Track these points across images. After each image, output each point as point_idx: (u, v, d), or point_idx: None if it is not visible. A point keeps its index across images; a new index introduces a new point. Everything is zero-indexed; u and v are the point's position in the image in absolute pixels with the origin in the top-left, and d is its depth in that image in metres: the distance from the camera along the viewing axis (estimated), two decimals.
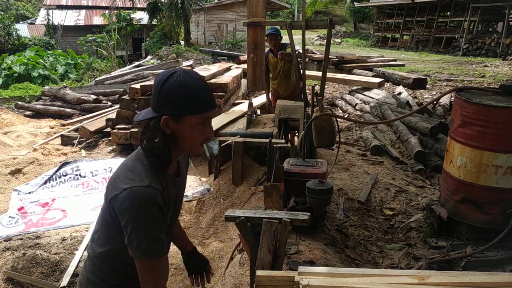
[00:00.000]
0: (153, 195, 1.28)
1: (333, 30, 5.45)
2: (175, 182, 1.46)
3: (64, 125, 7.68)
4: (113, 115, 6.51)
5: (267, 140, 3.47)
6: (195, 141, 1.36)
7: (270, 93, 6.06)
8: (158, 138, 1.31)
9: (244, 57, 12.36)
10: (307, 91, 4.90)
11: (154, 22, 21.29)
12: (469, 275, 1.76)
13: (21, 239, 3.67)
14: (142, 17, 23.43)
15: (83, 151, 6.17)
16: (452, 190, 3.23)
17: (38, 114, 8.59)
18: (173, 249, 3.64)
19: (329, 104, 8.63)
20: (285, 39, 5.42)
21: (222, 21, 24.15)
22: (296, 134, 5.11)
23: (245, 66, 10.10)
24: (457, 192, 3.18)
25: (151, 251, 1.30)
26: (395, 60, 14.65)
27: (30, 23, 27.18)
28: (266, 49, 5.86)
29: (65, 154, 6.05)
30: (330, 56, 5.95)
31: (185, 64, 10.96)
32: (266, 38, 5.66)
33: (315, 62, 13.41)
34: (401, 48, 24.80)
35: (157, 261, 1.33)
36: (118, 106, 6.84)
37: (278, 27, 5.58)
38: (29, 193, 4.66)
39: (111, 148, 6.13)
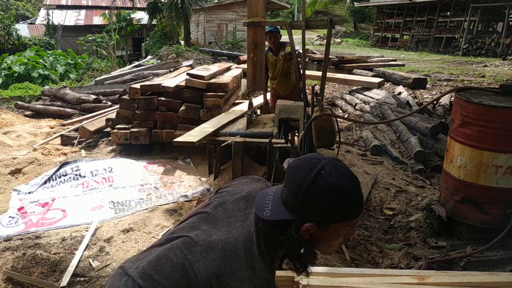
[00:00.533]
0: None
1: (333, 30, 5.45)
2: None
3: (64, 125, 7.68)
4: (113, 115, 6.51)
5: (267, 140, 3.47)
6: (337, 244, 1.17)
7: (269, 93, 6.05)
8: (304, 248, 1.11)
9: (244, 57, 12.35)
10: (307, 91, 4.89)
11: (154, 22, 21.29)
12: (469, 275, 1.76)
13: (21, 239, 3.67)
14: (142, 17, 23.43)
15: (83, 151, 6.16)
16: (452, 190, 3.23)
17: (38, 114, 8.59)
18: None
19: (329, 104, 8.62)
20: (284, 38, 5.42)
21: (222, 21, 24.16)
22: (296, 134, 5.11)
23: (245, 66, 10.08)
24: (457, 192, 3.18)
25: None
26: (395, 60, 14.65)
27: (30, 23, 27.19)
28: (266, 48, 5.86)
29: (65, 154, 6.05)
30: (330, 56, 5.95)
31: (185, 64, 10.95)
32: (265, 36, 5.65)
33: (315, 62, 13.41)
34: (401, 48, 24.80)
35: None
36: (118, 106, 6.84)
37: (278, 26, 5.57)
38: (29, 193, 4.66)
39: (111, 148, 6.12)
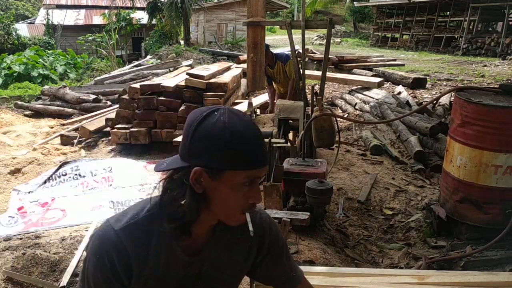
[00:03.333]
0: (110, 242, 0.99)
1: (332, 29, 5.45)
2: (186, 261, 1.07)
3: (63, 124, 7.68)
4: (112, 115, 6.51)
5: (267, 140, 3.47)
6: (235, 208, 1.00)
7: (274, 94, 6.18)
8: (186, 198, 0.97)
9: (243, 56, 12.34)
10: (307, 90, 4.90)
11: (154, 21, 21.29)
12: (469, 274, 1.76)
13: (21, 238, 3.67)
14: (141, 16, 23.42)
15: (82, 151, 6.16)
16: (451, 189, 3.23)
17: (37, 114, 8.58)
18: None
19: (329, 103, 8.62)
20: (284, 38, 5.43)
21: (221, 20, 24.15)
22: (296, 134, 5.12)
23: (244, 65, 10.08)
24: (457, 192, 3.18)
25: None
26: (394, 60, 14.65)
27: (30, 23, 27.16)
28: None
29: (64, 153, 6.05)
30: (329, 56, 5.97)
31: (185, 63, 10.94)
32: None
33: (315, 62, 13.41)
34: (401, 47, 24.79)
35: None
36: (117, 105, 6.84)
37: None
38: (29, 192, 4.66)
39: (110, 147, 6.12)
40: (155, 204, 1.03)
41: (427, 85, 9.94)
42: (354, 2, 31.50)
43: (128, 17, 21.69)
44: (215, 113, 0.95)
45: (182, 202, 0.98)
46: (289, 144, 4.20)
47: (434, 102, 7.32)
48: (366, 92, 8.74)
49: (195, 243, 1.08)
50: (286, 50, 14.59)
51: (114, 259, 0.98)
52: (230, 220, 1.03)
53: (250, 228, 1.01)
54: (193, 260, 1.08)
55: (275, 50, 6.42)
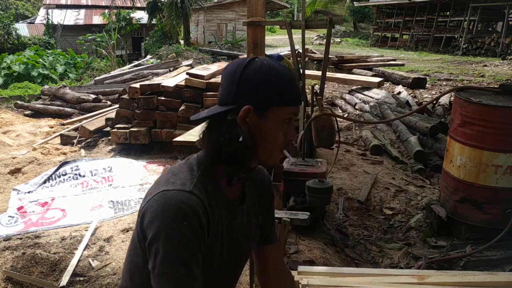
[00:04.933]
0: (192, 202, 0.98)
1: (332, 29, 5.45)
2: (233, 209, 1.12)
3: (63, 124, 7.67)
4: (112, 115, 6.50)
5: None
6: (277, 144, 1.06)
7: None
8: (242, 135, 1.01)
9: (243, 56, 12.34)
10: (307, 90, 4.89)
11: (154, 21, 21.28)
12: (469, 274, 1.76)
13: (21, 238, 3.67)
14: (141, 16, 23.41)
15: (82, 151, 6.16)
16: (451, 189, 3.23)
17: (37, 114, 8.58)
18: None
19: (329, 103, 8.63)
20: (284, 38, 5.41)
21: (221, 20, 24.15)
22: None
23: None
24: (457, 192, 3.18)
25: (169, 277, 0.96)
26: (394, 60, 14.65)
27: (30, 23, 27.15)
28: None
29: (64, 153, 6.05)
30: (329, 56, 5.96)
31: (185, 63, 10.94)
32: None
33: (315, 62, 13.41)
34: (401, 47, 24.79)
35: None
36: (117, 105, 6.84)
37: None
38: (29, 192, 4.66)
39: (110, 147, 6.12)
40: (201, 160, 1.08)
41: (427, 85, 9.94)
42: (354, 2, 31.49)
43: (128, 17, 21.67)
44: (256, 59, 1.04)
45: (240, 139, 1.02)
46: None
47: (434, 102, 7.32)
48: (366, 92, 8.74)
49: (234, 190, 1.13)
50: (279, 50, 14.61)
51: (201, 219, 0.99)
52: (271, 158, 1.08)
53: (290, 158, 1.09)
54: (237, 206, 1.13)
55: (269, 51, 6.39)
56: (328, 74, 9.03)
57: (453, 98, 4.34)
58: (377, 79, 9.30)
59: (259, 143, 1.04)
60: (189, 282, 0.97)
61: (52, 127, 7.54)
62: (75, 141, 6.52)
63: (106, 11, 21.43)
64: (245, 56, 7.39)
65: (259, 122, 1.02)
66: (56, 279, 3.11)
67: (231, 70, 1.05)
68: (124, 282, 1.17)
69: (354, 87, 9.37)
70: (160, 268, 0.96)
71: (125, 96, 6.14)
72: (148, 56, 16.80)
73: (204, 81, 5.86)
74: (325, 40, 5.79)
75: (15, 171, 5.29)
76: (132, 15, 22.03)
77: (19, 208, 4.25)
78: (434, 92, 9.32)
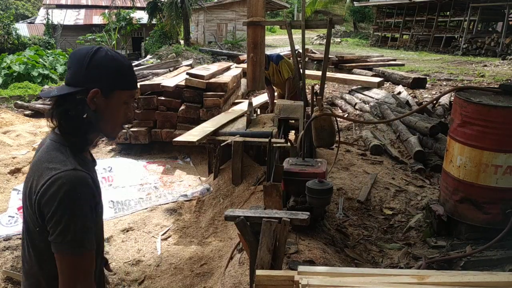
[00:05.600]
0: (83, 177, 1.20)
1: (332, 29, 5.45)
2: (94, 169, 1.37)
3: None
4: None
5: (267, 140, 3.47)
6: (118, 121, 1.31)
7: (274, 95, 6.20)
8: (87, 114, 1.22)
9: (243, 56, 12.34)
10: (307, 90, 4.90)
11: (154, 21, 21.28)
12: (469, 274, 1.76)
13: (21, 238, 3.67)
14: (141, 16, 23.41)
15: None
16: (451, 189, 3.23)
17: (37, 114, 8.58)
18: (173, 248, 3.65)
19: (329, 103, 8.63)
20: (284, 38, 5.42)
21: (221, 20, 24.15)
22: (295, 134, 5.12)
23: (244, 65, 10.08)
24: (457, 192, 3.18)
25: (83, 243, 1.17)
26: (394, 60, 14.65)
27: (30, 23, 27.15)
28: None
29: None
30: (329, 56, 5.96)
31: (185, 63, 10.94)
32: None
33: (315, 62, 13.41)
34: (401, 47, 24.79)
35: (89, 255, 1.20)
36: None
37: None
38: None
39: (110, 147, 6.12)
40: (59, 140, 1.27)
41: (427, 85, 9.94)
42: (354, 2, 31.48)
43: (128, 17, 21.68)
44: (101, 49, 1.25)
45: (85, 116, 1.23)
46: (289, 144, 4.20)
47: (434, 102, 7.32)
48: (366, 92, 8.74)
49: (88, 153, 1.38)
50: (279, 50, 14.58)
51: (93, 188, 1.23)
52: (114, 132, 1.34)
53: (128, 132, 1.45)
54: (94, 164, 1.39)
55: (268, 51, 6.44)
56: (328, 74, 9.03)
57: (453, 98, 4.34)
58: (377, 79, 9.30)
59: (105, 119, 1.27)
60: (92, 238, 1.21)
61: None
62: None
63: (106, 11, 21.44)
64: (245, 56, 7.41)
65: (105, 102, 1.25)
66: None
67: (80, 56, 1.24)
68: (32, 270, 1.31)
69: (354, 87, 9.36)
70: (67, 238, 1.16)
71: None
72: (148, 56, 16.80)
73: (204, 81, 5.86)
74: (325, 40, 5.80)
75: (15, 171, 5.29)
76: (132, 15, 22.04)
77: (19, 208, 4.25)
78: (434, 92, 9.33)
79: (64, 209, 1.14)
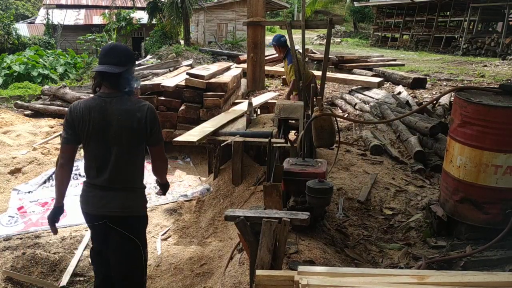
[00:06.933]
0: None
1: (333, 29, 5.46)
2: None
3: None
4: None
5: (267, 140, 3.47)
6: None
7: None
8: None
9: (244, 56, 12.34)
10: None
11: (154, 21, 21.28)
12: (469, 274, 1.76)
13: (21, 238, 3.67)
14: (141, 16, 23.41)
15: (82, 151, 6.16)
16: (451, 190, 3.23)
17: (37, 114, 8.58)
18: (173, 248, 3.64)
19: (329, 103, 8.63)
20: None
21: (222, 20, 24.15)
22: (296, 133, 5.12)
23: (245, 65, 10.09)
24: (457, 192, 3.18)
25: (163, 139, 2.47)
26: (394, 60, 14.64)
27: (30, 23, 27.17)
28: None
29: None
30: (329, 56, 5.96)
31: (185, 63, 10.94)
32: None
33: (315, 62, 13.39)
34: (401, 47, 24.80)
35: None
36: None
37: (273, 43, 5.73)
38: (29, 192, 4.66)
39: None
40: (121, 93, 2.28)
41: (427, 85, 9.94)
42: (354, 2, 31.51)
43: (128, 17, 21.68)
44: (120, 44, 2.50)
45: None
46: (289, 144, 4.20)
47: (434, 102, 7.33)
48: (366, 92, 8.74)
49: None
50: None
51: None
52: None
53: None
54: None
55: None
56: (328, 74, 9.03)
57: (453, 98, 4.34)
58: (377, 79, 9.30)
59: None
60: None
61: (52, 127, 7.54)
62: None
63: (106, 11, 21.44)
64: (245, 56, 7.37)
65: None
66: (56, 279, 3.11)
67: (121, 50, 2.29)
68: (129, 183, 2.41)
69: (354, 87, 9.36)
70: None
71: None
72: (148, 56, 16.79)
73: (204, 81, 5.86)
74: (325, 40, 5.80)
75: (15, 171, 5.29)
76: (132, 15, 22.04)
77: (19, 208, 4.25)
78: (434, 92, 9.32)
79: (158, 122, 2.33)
